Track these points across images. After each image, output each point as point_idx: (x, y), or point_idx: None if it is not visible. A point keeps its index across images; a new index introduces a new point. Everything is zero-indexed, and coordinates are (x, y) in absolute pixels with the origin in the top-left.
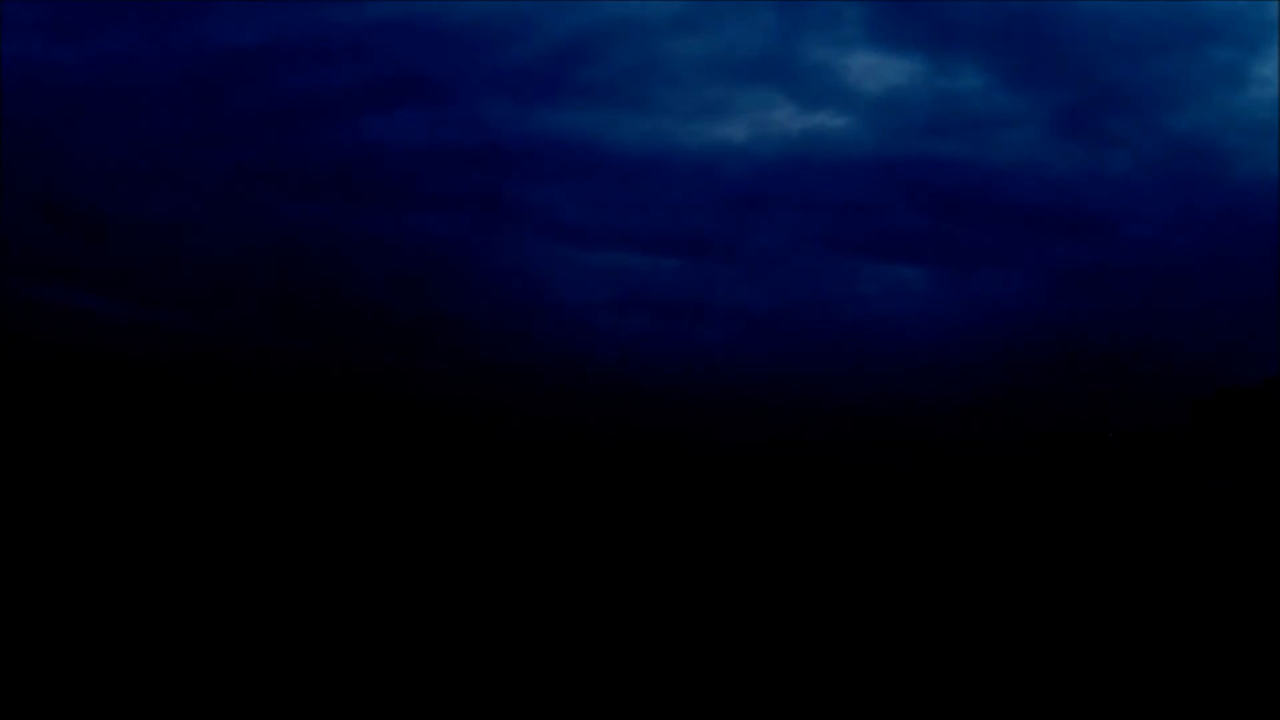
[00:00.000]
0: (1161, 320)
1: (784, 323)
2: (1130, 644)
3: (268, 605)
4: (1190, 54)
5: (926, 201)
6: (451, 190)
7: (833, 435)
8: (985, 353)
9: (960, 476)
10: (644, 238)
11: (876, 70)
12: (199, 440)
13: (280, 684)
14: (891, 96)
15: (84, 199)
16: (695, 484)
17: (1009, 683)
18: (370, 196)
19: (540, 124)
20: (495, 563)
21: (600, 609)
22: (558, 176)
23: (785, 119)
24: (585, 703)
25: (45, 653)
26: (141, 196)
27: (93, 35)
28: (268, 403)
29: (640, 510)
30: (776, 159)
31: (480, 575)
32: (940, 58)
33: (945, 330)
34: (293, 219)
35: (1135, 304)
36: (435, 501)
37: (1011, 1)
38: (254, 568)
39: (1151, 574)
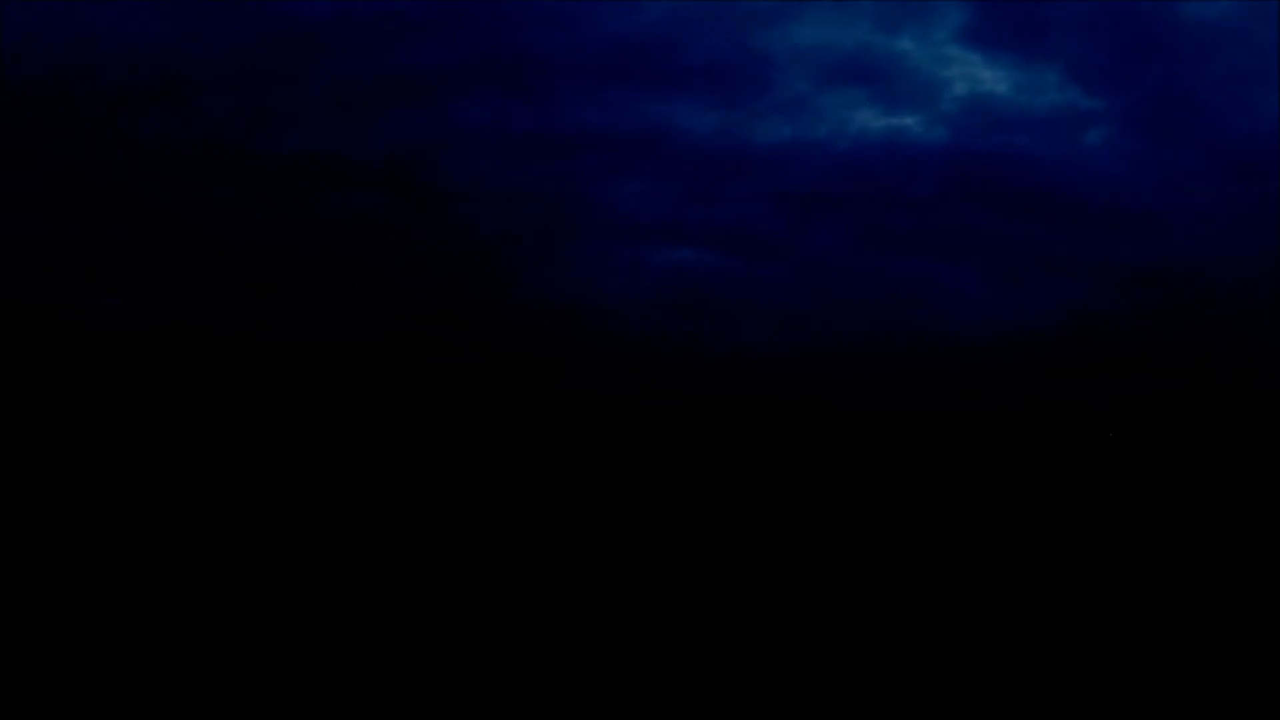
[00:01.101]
0: (1210, 324)
1: (832, 324)
2: (1129, 641)
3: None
4: (1270, 50)
5: (993, 202)
6: (511, 184)
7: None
8: (1030, 356)
9: (961, 476)
10: (698, 233)
11: (962, 70)
12: (245, 439)
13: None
14: (973, 97)
15: (133, 189)
16: (719, 486)
17: (1007, 678)
18: (428, 187)
19: (615, 112)
20: (511, 560)
21: (608, 604)
22: (623, 170)
23: (864, 117)
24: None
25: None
26: (194, 187)
27: (141, 4)
28: (309, 397)
29: (659, 512)
30: (847, 157)
31: (495, 570)
32: (1027, 58)
33: (993, 332)
34: (348, 209)
35: (1188, 305)
36: (456, 499)
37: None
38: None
39: (1151, 573)
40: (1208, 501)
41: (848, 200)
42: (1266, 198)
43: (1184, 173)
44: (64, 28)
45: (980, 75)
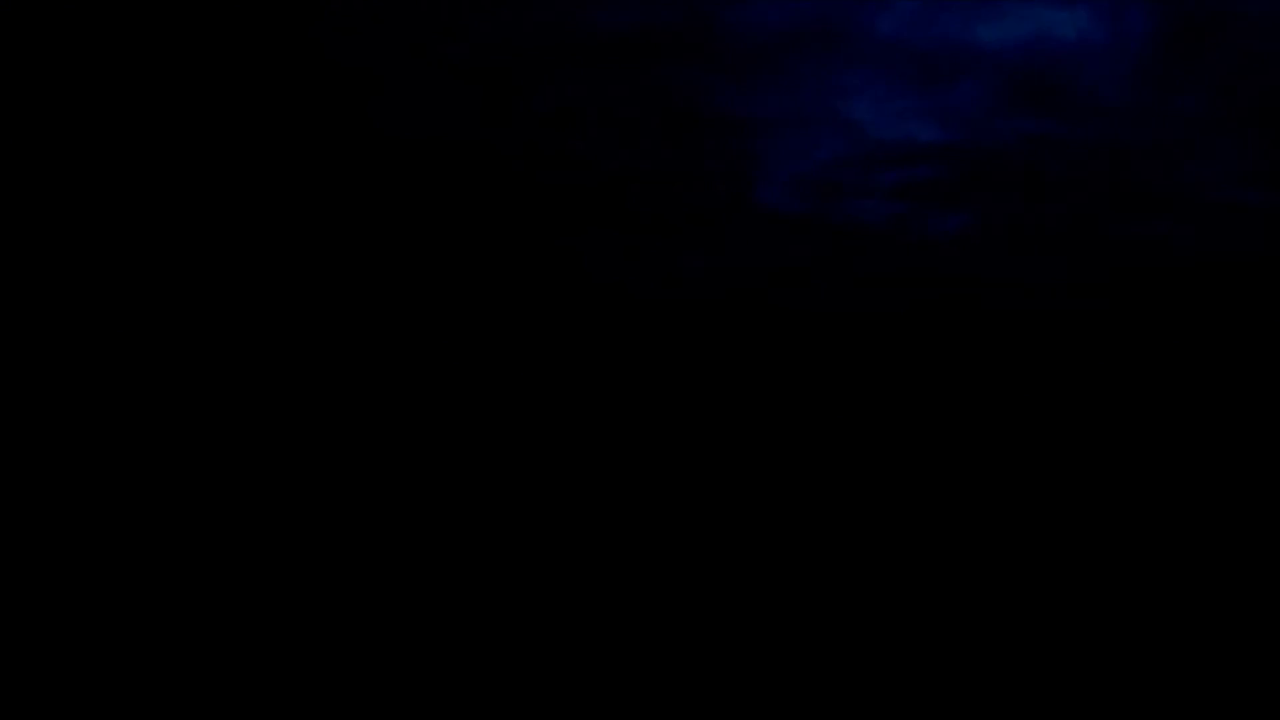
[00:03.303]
0: None
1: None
2: (1127, 632)
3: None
4: None
5: (1122, 201)
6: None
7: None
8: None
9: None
10: (828, 225)
11: (1119, 75)
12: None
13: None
14: (1119, 99)
15: None
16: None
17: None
18: (561, 158)
19: (778, 95)
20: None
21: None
22: (768, 157)
23: (1021, 121)
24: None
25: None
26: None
27: None
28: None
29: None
30: (989, 152)
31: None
32: (1174, 64)
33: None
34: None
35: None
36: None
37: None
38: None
39: (1151, 570)
40: None
41: (980, 195)
42: None
43: None
44: None
45: (1133, 79)
